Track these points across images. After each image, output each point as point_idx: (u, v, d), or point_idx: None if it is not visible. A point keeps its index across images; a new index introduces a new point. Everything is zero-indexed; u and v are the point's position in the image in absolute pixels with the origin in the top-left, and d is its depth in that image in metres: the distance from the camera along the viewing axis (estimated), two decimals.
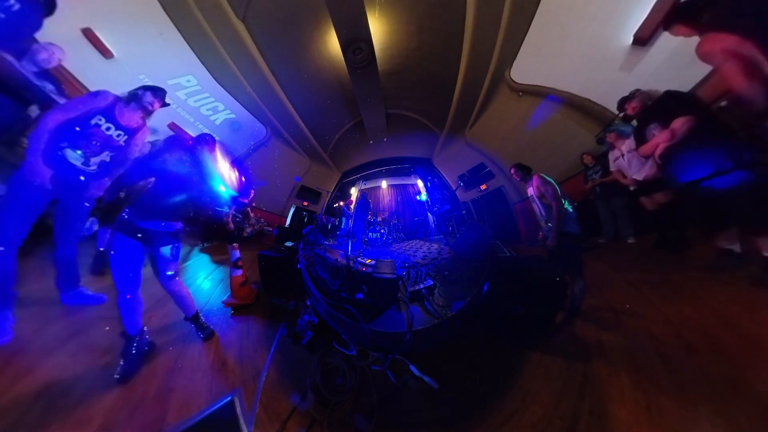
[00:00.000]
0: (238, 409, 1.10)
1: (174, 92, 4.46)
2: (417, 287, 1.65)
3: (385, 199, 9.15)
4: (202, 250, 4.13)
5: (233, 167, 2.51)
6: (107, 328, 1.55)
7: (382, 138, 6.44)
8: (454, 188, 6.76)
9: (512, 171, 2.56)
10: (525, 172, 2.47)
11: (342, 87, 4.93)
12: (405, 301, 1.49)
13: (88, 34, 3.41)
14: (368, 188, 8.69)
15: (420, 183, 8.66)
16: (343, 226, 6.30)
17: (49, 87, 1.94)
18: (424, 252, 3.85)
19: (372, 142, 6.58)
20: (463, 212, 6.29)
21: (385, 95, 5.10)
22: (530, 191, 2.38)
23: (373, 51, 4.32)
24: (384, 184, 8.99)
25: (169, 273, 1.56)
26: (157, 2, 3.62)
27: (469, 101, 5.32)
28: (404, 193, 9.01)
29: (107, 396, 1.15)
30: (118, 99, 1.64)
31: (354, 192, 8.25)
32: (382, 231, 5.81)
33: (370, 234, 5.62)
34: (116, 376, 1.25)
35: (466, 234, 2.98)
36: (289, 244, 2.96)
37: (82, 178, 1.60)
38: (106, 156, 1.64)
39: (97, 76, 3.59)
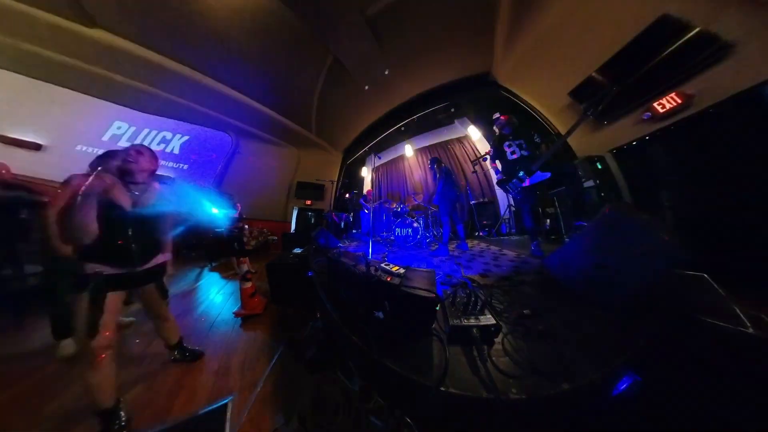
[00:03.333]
0: (228, 415, 1.12)
1: (116, 144, 3.94)
2: (465, 322, 0.92)
3: (414, 174, 5.97)
4: (212, 269, 4.15)
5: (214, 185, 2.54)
6: (137, 341, 1.79)
7: (379, 71, 3.65)
8: (561, 131, 3.04)
9: None
10: None
11: (274, 16, 2.76)
12: (441, 339, 0.91)
13: (5, 139, 3.27)
14: (385, 162, 5.95)
15: (474, 132, 4.79)
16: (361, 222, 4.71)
17: (23, 194, 2.19)
18: (485, 262, 2.19)
19: (368, 87, 3.92)
20: (588, 184, 2.64)
21: None
22: None
23: None
24: (408, 149, 5.77)
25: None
26: (10, 72, 3.10)
27: None
28: (446, 159, 5.49)
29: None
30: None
31: (366, 174, 5.97)
32: (415, 225, 3.60)
33: (397, 230, 3.78)
34: None
35: (591, 237, 1.02)
36: (297, 250, 2.62)
37: None
38: None
39: (49, 168, 3.41)
